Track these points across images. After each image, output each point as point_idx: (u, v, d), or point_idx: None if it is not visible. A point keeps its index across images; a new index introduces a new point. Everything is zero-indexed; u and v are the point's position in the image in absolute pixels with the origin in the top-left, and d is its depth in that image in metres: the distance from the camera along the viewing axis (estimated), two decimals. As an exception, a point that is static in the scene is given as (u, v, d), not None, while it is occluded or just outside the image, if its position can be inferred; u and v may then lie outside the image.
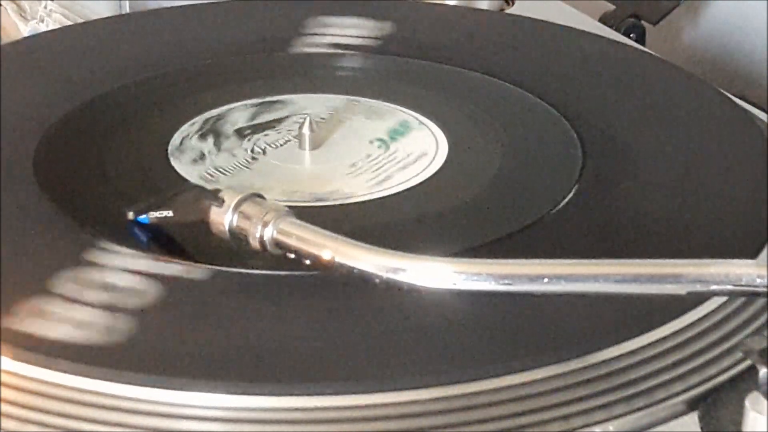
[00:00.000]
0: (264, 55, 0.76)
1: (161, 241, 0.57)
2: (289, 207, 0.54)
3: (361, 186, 0.63)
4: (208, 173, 0.63)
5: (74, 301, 0.53)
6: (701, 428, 0.47)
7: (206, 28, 0.80)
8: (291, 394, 0.48)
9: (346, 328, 0.51)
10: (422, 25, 0.80)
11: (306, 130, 0.66)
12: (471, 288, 0.48)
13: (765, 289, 0.47)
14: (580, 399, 0.48)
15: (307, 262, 0.52)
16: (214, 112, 0.70)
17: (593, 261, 0.49)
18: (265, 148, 0.66)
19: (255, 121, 0.69)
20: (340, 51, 0.76)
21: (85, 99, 0.70)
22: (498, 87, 0.72)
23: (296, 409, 0.47)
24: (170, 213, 0.57)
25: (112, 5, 0.93)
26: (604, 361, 0.49)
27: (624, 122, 0.68)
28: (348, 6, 0.82)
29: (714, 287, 0.47)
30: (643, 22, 0.93)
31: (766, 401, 0.44)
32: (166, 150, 0.65)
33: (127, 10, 0.92)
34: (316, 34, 0.79)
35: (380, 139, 0.67)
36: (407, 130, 0.68)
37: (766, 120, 0.70)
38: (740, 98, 0.72)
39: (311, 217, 0.54)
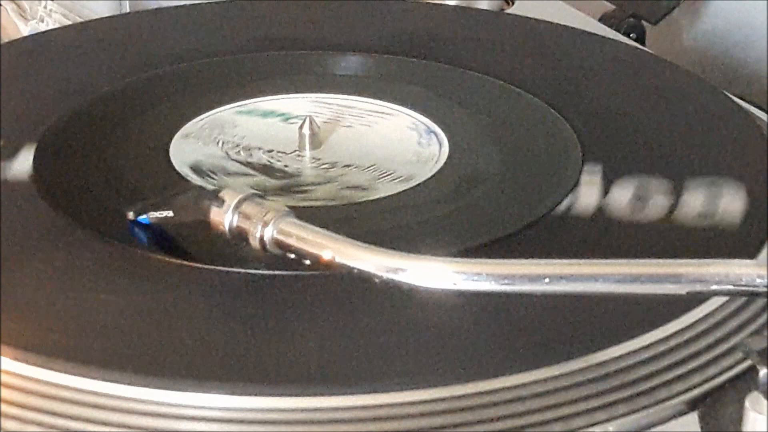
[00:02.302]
0: (264, 55, 0.76)
1: (161, 241, 0.57)
2: (289, 207, 0.54)
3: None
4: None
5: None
6: (701, 428, 0.47)
7: (206, 28, 0.80)
8: (291, 394, 0.48)
9: (346, 328, 0.51)
10: (422, 25, 0.80)
11: (306, 130, 0.66)
12: (471, 288, 0.48)
13: (765, 289, 0.47)
14: (581, 399, 0.48)
15: (307, 262, 0.52)
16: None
17: (593, 261, 0.49)
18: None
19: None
20: (340, 51, 0.76)
21: (85, 99, 0.70)
22: (498, 87, 0.72)
23: (296, 409, 0.47)
24: (170, 213, 0.57)
25: (112, 5, 0.93)
26: (604, 361, 0.49)
27: (624, 122, 0.68)
28: (347, 6, 0.83)
29: (714, 287, 0.47)
30: (643, 22, 0.93)
31: (766, 401, 0.44)
32: (167, 150, 0.65)
33: (127, 10, 0.92)
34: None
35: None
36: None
37: (766, 120, 0.70)
38: (740, 98, 0.72)
39: (311, 217, 0.54)
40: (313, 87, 0.73)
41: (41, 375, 0.49)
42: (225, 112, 0.70)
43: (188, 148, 0.66)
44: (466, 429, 0.47)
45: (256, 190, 0.56)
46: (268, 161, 0.65)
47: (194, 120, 0.68)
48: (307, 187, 0.63)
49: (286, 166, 0.65)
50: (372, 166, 0.64)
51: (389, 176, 0.63)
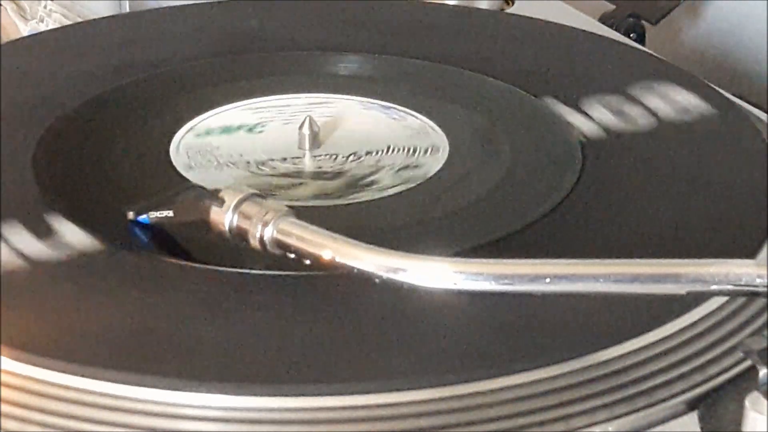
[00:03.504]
0: (264, 55, 0.76)
1: (161, 240, 0.57)
2: (290, 207, 0.54)
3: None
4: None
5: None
6: (701, 428, 0.47)
7: (206, 28, 0.80)
8: (291, 394, 0.48)
9: (346, 328, 0.51)
10: (422, 26, 0.80)
11: (306, 130, 0.66)
12: (471, 288, 0.48)
13: (765, 289, 0.47)
14: (581, 399, 0.48)
15: (307, 262, 0.52)
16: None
17: (593, 261, 0.49)
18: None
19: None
20: (340, 51, 0.76)
21: (85, 99, 0.70)
22: (498, 87, 0.72)
23: (296, 409, 0.47)
24: (170, 213, 0.57)
25: (112, 5, 0.93)
26: (604, 361, 0.49)
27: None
28: (347, 6, 0.83)
29: (714, 287, 0.47)
30: (643, 22, 0.93)
31: (766, 401, 0.44)
32: (166, 150, 0.65)
33: (127, 10, 0.92)
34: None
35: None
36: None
37: (766, 120, 0.70)
38: (740, 98, 0.72)
39: (311, 217, 0.54)
40: (314, 87, 0.73)
41: (41, 375, 0.49)
42: (234, 109, 0.70)
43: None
44: (466, 429, 0.47)
45: (255, 189, 0.56)
46: (265, 160, 0.65)
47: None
48: (297, 186, 0.63)
49: (280, 165, 0.65)
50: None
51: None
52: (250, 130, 0.68)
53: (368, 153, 0.66)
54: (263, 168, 0.64)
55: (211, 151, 0.65)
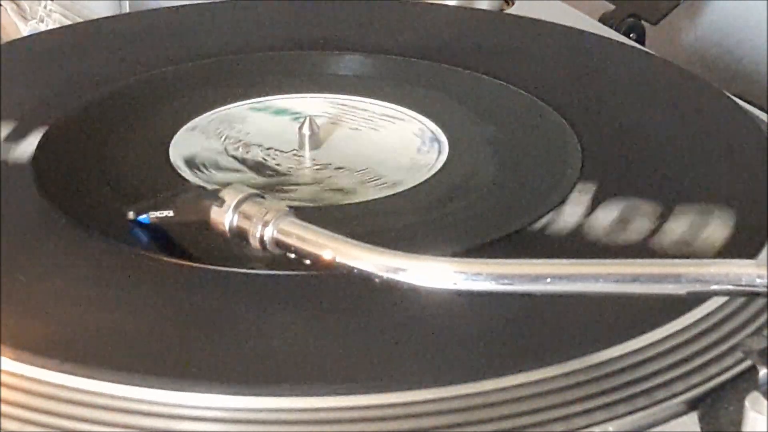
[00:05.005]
0: (264, 55, 0.76)
1: (162, 240, 0.57)
2: (290, 207, 0.54)
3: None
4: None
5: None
6: (701, 428, 0.47)
7: (206, 28, 0.80)
8: (291, 394, 0.48)
9: (346, 328, 0.51)
10: (422, 25, 0.80)
11: (306, 130, 0.66)
12: (471, 288, 0.48)
13: (765, 289, 0.47)
14: (581, 399, 0.48)
15: (307, 262, 0.52)
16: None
17: (593, 261, 0.49)
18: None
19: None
20: (340, 51, 0.76)
21: (85, 99, 0.70)
22: (498, 87, 0.72)
23: (296, 410, 0.47)
24: (171, 213, 0.57)
25: (112, 5, 0.93)
26: (604, 361, 0.49)
27: (624, 122, 0.68)
28: (347, 6, 0.83)
29: (714, 287, 0.47)
30: (643, 22, 0.93)
31: (766, 401, 0.44)
32: (166, 150, 0.65)
33: (127, 10, 0.92)
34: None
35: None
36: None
37: (766, 120, 0.70)
38: (740, 98, 0.72)
39: (311, 217, 0.54)
40: (314, 87, 0.73)
41: (41, 375, 0.49)
42: (235, 109, 0.70)
43: (188, 144, 0.66)
44: (466, 429, 0.47)
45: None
46: (263, 159, 0.65)
47: (194, 120, 0.68)
48: (292, 186, 0.63)
49: (278, 164, 0.65)
50: (366, 169, 0.64)
51: (389, 176, 0.63)
52: (250, 130, 0.68)
53: (366, 154, 0.66)
54: (262, 168, 0.64)
55: (211, 151, 0.66)
